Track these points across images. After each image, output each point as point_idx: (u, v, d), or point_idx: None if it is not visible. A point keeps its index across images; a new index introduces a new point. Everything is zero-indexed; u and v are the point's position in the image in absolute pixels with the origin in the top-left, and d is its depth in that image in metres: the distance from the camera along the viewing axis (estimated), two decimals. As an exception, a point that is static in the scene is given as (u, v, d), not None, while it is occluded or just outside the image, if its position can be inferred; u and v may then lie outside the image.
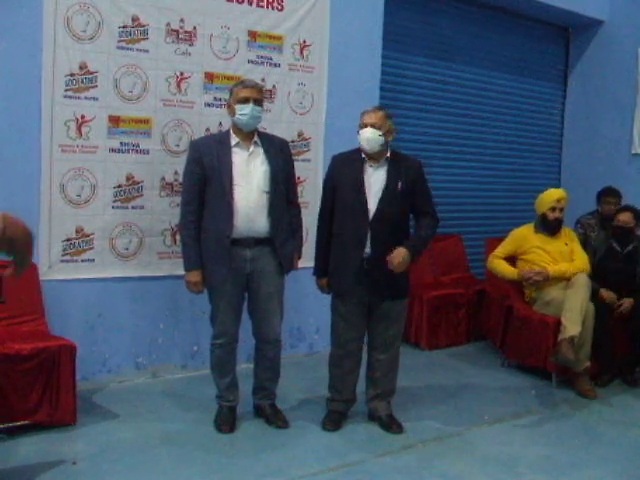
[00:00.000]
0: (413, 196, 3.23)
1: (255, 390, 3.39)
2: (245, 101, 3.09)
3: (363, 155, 3.22)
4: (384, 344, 3.33)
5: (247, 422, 3.34)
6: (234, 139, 3.14)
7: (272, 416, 3.33)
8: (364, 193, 3.18)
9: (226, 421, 3.26)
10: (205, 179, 3.10)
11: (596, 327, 4.02)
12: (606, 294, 4.26)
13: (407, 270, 3.28)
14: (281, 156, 3.22)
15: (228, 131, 3.21)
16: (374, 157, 3.21)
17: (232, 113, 3.14)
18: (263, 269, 3.16)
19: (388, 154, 3.23)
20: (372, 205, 3.17)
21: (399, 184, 3.18)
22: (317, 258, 3.37)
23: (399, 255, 3.09)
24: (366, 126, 3.16)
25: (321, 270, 3.35)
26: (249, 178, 3.10)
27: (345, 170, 3.26)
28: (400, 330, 3.41)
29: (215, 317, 3.21)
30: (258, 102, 3.13)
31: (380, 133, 3.15)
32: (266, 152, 3.16)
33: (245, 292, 3.22)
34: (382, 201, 3.17)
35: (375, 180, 3.20)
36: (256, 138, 3.17)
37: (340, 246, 3.25)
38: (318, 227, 3.38)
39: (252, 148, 3.15)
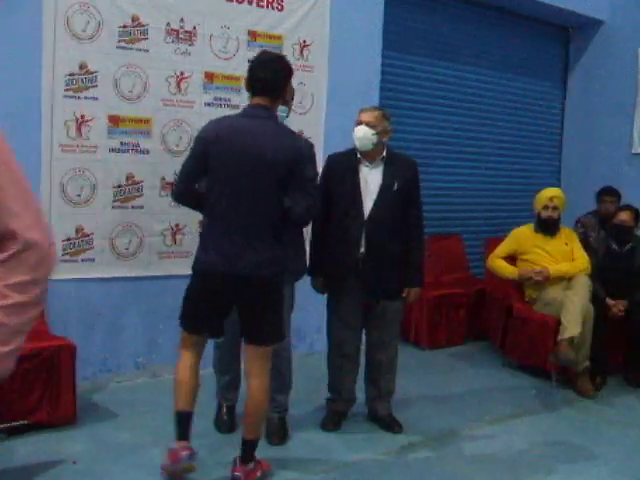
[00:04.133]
0: (406, 195, 3.22)
1: None
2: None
3: (358, 155, 3.22)
4: (382, 344, 3.33)
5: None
6: None
7: (275, 430, 3.16)
8: (359, 193, 3.17)
9: (225, 422, 3.24)
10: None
11: (593, 329, 4.03)
12: (612, 304, 4.24)
13: (401, 270, 3.27)
14: None
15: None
16: (370, 156, 3.21)
17: None
18: None
19: (384, 153, 3.23)
20: (367, 205, 3.17)
21: (395, 184, 3.18)
22: (312, 258, 3.35)
23: (414, 297, 3.31)
24: (360, 123, 3.16)
25: (316, 270, 3.33)
26: None
27: (340, 170, 3.25)
28: (397, 329, 3.41)
29: None
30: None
31: (374, 132, 3.13)
32: None
33: None
34: (378, 201, 3.16)
35: (371, 180, 3.20)
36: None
37: (335, 246, 3.24)
38: (312, 227, 3.36)
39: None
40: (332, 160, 3.35)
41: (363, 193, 3.18)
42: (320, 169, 3.48)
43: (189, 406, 2.73)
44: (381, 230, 3.16)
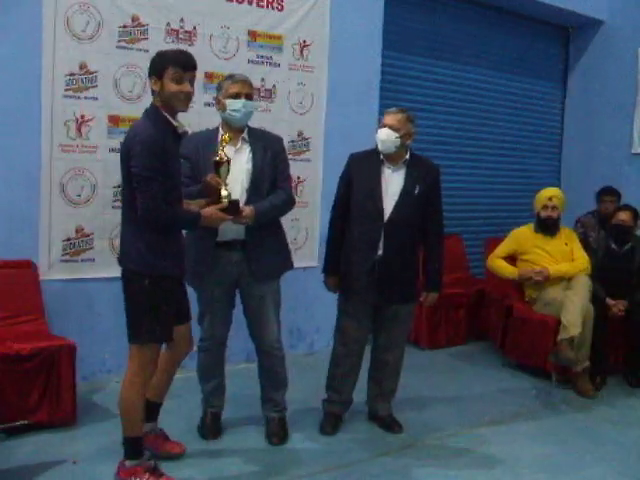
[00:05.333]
0: (427, 200, 3.19)
1: (262, 401, 3.22)
2: (236, 96, 2.94)
3: (381, 156, 3.19)
4: (390, 346, 3.32)
5: (247, 422, 3.34)
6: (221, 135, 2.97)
7: (275, 430, 3.16)
8: (380, 195, 3.15)
9: (210, 429, 3.17)
10: (192, 178, 2.91)
11: (593, 329, 4.03)
12: (612, 304, 4.24)
13: (416, 274, 3.27)
14: (269, 153, 2.99)
15: (217, 128, 3.05)
16: (392, 159, 3.18)
17: (222, 109, 2.98)
18: (251, 273, 2.96)
19: (407, 157, 3.20)
20: (388, 207, 3.14)
21: (416, 188, 3.15)
22: (328, 256, 3.32)
23: (432, 301, 3.32)
24: (384, 126, 3.13)
25: (331, 268, 3.31)
26: (233, 176, 2.87)
27: (362, 170, 3.22)
28: (406, 332, 3.41)
29: (202, 319, 3.08)
30: (249, 97, 2.98)
31: (397, 135, 3.10)
32: (253, 150, 2.98)
33: (235, 296, 3.10)
34: (398, 204, 3.14)
35: (393, 182, 3.17)
36: (245, 134, 3.01)
37: (352, 246, 3.22)
38: (330, 225, 3.34)
39: (239, 144, 2.99)
40: (354, 159, 3.30)
41: (384, 195, 3.15)
42: (318, 170, 3.49)
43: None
44: (400, 233, 3.13)
